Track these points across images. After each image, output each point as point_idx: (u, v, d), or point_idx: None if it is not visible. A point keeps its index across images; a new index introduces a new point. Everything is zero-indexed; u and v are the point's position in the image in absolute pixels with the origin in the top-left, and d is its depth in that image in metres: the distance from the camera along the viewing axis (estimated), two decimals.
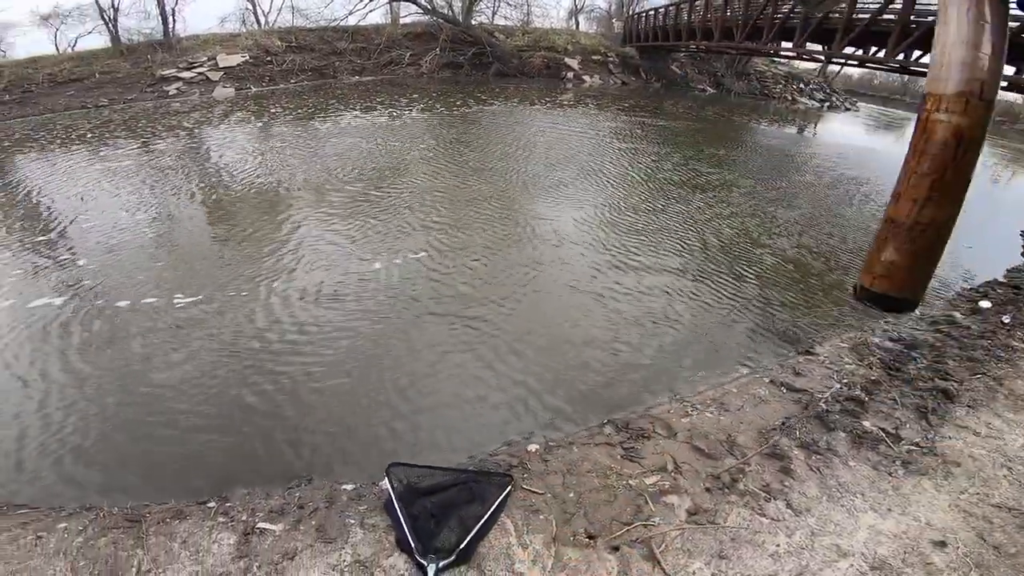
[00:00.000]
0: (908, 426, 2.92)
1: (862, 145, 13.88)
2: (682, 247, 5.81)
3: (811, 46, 12.52)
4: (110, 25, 18.51)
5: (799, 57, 13.79)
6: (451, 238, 5.77)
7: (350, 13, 20.01)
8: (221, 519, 2.24)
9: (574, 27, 27.25)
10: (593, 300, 4.63)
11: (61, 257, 5.49)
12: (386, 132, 11.11)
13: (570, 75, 20.61)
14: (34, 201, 7.34)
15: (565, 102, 16.28)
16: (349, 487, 2.48)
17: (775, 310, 4.66)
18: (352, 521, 2.20)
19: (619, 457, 2.67)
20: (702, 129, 13.37)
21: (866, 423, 2.96)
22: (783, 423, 3.00)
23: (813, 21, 11.26)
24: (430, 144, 10.26)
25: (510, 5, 23.95)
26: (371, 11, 20.36)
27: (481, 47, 19.93)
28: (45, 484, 2.79)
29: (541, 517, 2.22)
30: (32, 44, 21.07)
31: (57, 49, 19.21)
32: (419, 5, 19.77)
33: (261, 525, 2.19)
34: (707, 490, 2.45)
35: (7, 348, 3.94)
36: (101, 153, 9.89)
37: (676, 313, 4.51)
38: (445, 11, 20.20)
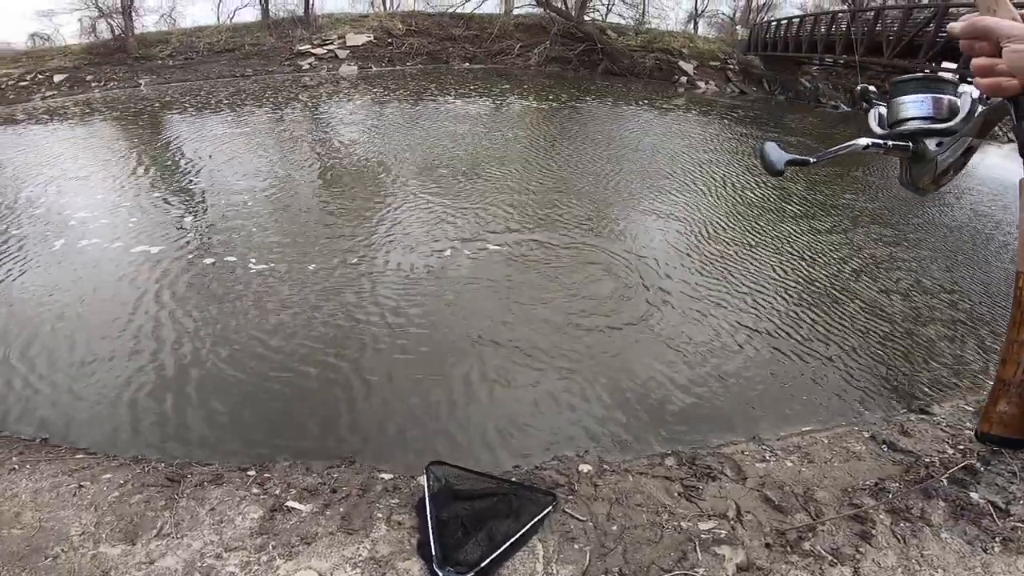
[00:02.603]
0: (1022, 502, 2.47)
1: (1011, 181, 12.01)
2: (780, 277, 5.22)
3: None
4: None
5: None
6: (529, 237, 5.67)
7: (466, 0, 20.43)
8: (255, 490, 2.24)
9: (692, 31, 26.15)
10: (674, 324, 4.30)
11: (172, 212, 6.09)
12: (483, 121, 11.21)
13: (683, 79, 19.72)
14: (159, 159, 8.16)
15: (675, 107, 15.56)
16: (387, 476, 2.41)
17: (888, 361, 4.06)
18: (380, 515, 2.11)
19: (676, 494, 2.40)
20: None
21: (974, 494, 2.52)
22: (875, 484, 2.59)
23: None
24: (531, 136, 10.23)
25: (626, 3, 23.45)
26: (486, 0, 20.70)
27: (591, 44, 19.58)
28: (105, 429, 2.93)
29: (576, 546, 2.02)
30: (199, 14, 23.68)
31: (218, 20, 21.24)
32: None
33: (290, 503, 2.16)
34: (766, 545, 2.14)
35: (101, 284, 4.43)
36: (230, 119, 10.77)
37: (767, 346, 4.06)
38: (559, 5, 20.04)
